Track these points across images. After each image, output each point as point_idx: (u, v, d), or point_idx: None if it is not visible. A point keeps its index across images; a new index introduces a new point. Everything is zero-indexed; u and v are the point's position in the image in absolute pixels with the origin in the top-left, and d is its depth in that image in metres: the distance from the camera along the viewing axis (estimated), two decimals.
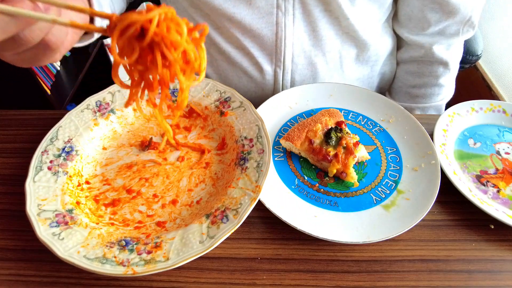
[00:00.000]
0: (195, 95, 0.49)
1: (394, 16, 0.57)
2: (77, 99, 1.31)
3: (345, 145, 0.43)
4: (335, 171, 0.42)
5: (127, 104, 0.28)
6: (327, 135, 0.43)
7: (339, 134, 0.43)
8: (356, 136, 0.45)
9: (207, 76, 0.60)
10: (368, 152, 0.46)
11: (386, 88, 0.65)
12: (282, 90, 0.55)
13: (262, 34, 0.51)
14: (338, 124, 0.45)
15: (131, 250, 0.34)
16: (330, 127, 0.45)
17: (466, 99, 0.53)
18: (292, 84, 0.57)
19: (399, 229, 0.37)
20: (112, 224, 0.38)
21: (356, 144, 0.43)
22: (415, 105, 0.61)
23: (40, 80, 1.17)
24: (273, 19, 0.50)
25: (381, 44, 0.57)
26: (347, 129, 0.45)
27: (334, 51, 0.55)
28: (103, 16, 0.24)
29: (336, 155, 0.42)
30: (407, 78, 0.61)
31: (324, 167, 0.44)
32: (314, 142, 0.43)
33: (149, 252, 0.34)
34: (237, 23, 0.51)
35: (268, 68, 0.55)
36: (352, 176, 0.42)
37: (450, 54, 0.56)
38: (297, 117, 0.51)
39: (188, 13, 0.54)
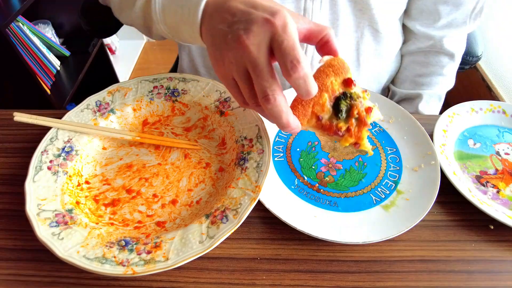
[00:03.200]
0: (195, 95, 0.49)
1: (405, 11, 0.59)
2: (77, 99, 1.31)
3: (357, 116, 0.36)
4: (347, 144, 0.37)
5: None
6: (336, 106, 0.36)
7: (349, 102, 0.36)
8: (367, 93, 0.38)
9: None
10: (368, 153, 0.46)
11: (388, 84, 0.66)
12: None
13: None
14: (347, 85, 0.37)
15: (131, 250, 0.34)
16: (337, 94, 0.36)
17: (466, 100, 0.53)
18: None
19: (398, 229, 0.37)
20: (112, 224, 0.38)
21: (368, 110, 0.37)
22: (421, 91, 0.62)
23: (40, 80, 1.17)
24: (301, 4, 0.51)
25: (395, 39, 0.59)
26: (356, 90, 0.37)
27: (351, 44, 0.56)
28: None
29: (348, 129, 0.36)
30: (414, 68, 0.63)
31: (334, 139, 0.38)
32: (322, 118, 0.37)
33: (148, 252, 0.34)
34: None
35: None
36: (366, 146, 0.37)
37: (456, 45, 0.59)
38: None
39: None
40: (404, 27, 0.61)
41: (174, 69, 0.81)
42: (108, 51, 1.62)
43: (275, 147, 0.47)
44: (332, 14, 0.52)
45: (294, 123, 0.34)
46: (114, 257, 0.34)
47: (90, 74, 1.44)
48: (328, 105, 0.37)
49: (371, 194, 0.42)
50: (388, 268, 0.37)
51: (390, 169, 0.45)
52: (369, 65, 0.59)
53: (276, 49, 0.30)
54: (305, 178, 0.44)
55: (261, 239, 0.39)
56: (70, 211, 0.38)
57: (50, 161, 0.41)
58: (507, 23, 1.03)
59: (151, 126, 0.49)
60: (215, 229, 0.35)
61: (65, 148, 0.43)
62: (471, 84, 1.08)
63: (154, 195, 0.41)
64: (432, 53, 0.60)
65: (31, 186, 0.38)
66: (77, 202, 0.39)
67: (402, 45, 0.62)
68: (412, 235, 0.39)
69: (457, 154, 0.47)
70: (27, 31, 1.19)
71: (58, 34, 1.44)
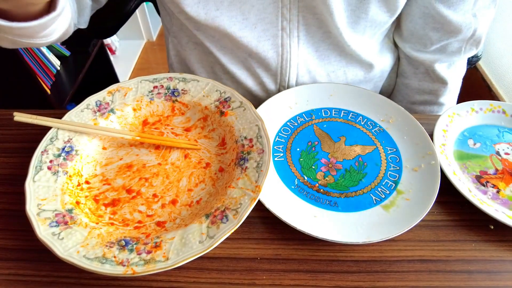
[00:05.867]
0: (195, 95, 0.49)
1: (397, 30, 0.57)
2: (77, 99, 1.31)
3: None
4: None
5: None
6: None
7: None
8: None
9: None
10: (368, 153, 0.46)
11: None
12: None
13: (268, 56, 0.52)
14: None
15: (131, 250, 0.34)
16: None
17: (466, 100, 0.53)
18: None
19: (398, 229, 0.37)
20: (112, 224, 0.38)
21: None
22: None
23: (40, 80, 1.17)
24: (278, 41, 0.51)
25: (384, 62, 0.58)
26: None
27: (339, 71, 0.55)
28: None
29: None
30: (407, 93, 0.61)
31: None
32: None
33: (148, 252, 0.34)
34: (243, 47, 0.51)
35: (272, 87, 0.56)
36: None
37: (451, 73, 0.56)
38: (297, 117, 0.51)
39: (193, 34, 0.54)
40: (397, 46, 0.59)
41: None
42: (108, 51, 1.62)
43: (275, 147, 0.47)
44: (312, 47, 0.52)
45: None
46: (114, 257, 0.34)
47: (90, 74, 1.44)
48: None
49: (371, 194, 0.42)
50: (388, 268, 0.37)
51: (390, 169, 0.45)
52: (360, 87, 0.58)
53: None
54: (305, 178, 0.44)
55: (261, 239, 0.39)
56: (70, 211, 0.38)
57: (50, 161, 0.41)
58: (507, 23, 1.03)
59: (151, 126, 0.49)
60: (215, 229, 0.35)
61: (65, 148, 0.43)
62: (471, 84, 1.08)
63: (154, 195, 0.41)
64: (426, 80, 0.57)
65: (31, 186, 0.38)
66: (77, 202, 0.39)
67: (395, 65, 0.60)
68: (412, 235, 0.39)
69: (457, 154, 0.47)
70: None
71: None
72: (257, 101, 0.58)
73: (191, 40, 0.56)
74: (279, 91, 0.56)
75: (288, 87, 0.55)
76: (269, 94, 0.56)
